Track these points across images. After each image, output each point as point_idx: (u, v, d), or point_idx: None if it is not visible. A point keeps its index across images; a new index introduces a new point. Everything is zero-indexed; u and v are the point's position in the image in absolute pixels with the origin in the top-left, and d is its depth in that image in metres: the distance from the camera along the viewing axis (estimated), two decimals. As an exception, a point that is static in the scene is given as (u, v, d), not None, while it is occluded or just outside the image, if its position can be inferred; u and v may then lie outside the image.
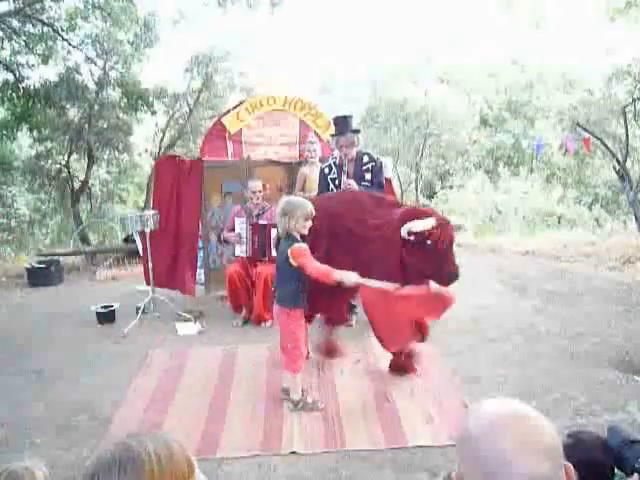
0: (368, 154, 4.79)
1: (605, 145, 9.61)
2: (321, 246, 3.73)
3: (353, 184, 4.59)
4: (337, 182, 4.73)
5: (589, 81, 11.84)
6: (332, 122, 5.04)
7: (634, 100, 9.28)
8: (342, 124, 4.70)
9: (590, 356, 4.34)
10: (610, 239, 8.49)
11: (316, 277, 3.31)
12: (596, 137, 9.38)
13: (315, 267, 3.32)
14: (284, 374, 3.76)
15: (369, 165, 4.72)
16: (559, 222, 12.59)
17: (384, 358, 4.19)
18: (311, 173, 5.58)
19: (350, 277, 3.29)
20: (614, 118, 9.83)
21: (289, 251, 3.36)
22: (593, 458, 1.59)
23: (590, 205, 13.13)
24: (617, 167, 9.69)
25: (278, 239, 3.63)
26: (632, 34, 9.51)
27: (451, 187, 13.54)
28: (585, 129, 9.52)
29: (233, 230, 5.37)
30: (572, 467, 0.95)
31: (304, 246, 3.40)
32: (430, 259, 3.47)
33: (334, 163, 4.79)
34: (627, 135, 9.39)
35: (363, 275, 3.34)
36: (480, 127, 13.41)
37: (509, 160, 12.45)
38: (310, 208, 3.43)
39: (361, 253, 3.70)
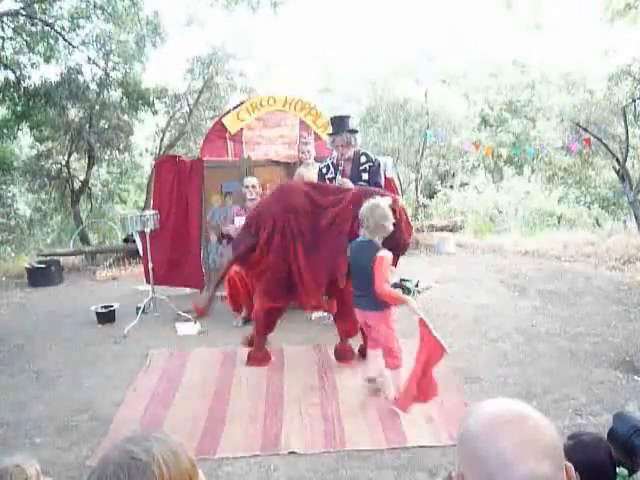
0: (366, 154, 4.75)
1: (605, 145, 9.60)
2: (273, 240, 4.02)
3: (347, 182, 4.57)
4: (334, 182, 4.72)
5: (589, 81, 11.82)
6: (329, 121, 5.02)
7: (634, 100, 9.28)
8: (339, 124, 4.67)
9: (590, 356, 4.34)
10: (610, 239, 8.48)
11: (382, 294, 3.41)
12: (596, 137, 9.37)
13: (386, 285, 3.44)
14: (371, 365, 3.86)
15: (366, 165, 4.68)
16: (559, 222, 12.58)
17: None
18: (307, 173, 5.58)
19: (414, 305, 3.39)
20: (614, 118, 9.82)
21: (378, 257, 3.44)
22: (595, 459, 1.58)
23: (590, 205, 13.11)
24: (617, 167, 9.69)
25: None
26: (632, 34, 9.51)
27: (451, 187, 13.53)
28: (585, 129, 9.52)
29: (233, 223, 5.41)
30: (573, 467, 0.95)
31: (390, 257, 3.50)
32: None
33: (332, 163, 4.77)
34: (627, 135, 9.38)
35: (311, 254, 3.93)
36: (481, 127, 13.39)
37: (510, 159, 12.43)
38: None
39: (314, 237, 4.03)
